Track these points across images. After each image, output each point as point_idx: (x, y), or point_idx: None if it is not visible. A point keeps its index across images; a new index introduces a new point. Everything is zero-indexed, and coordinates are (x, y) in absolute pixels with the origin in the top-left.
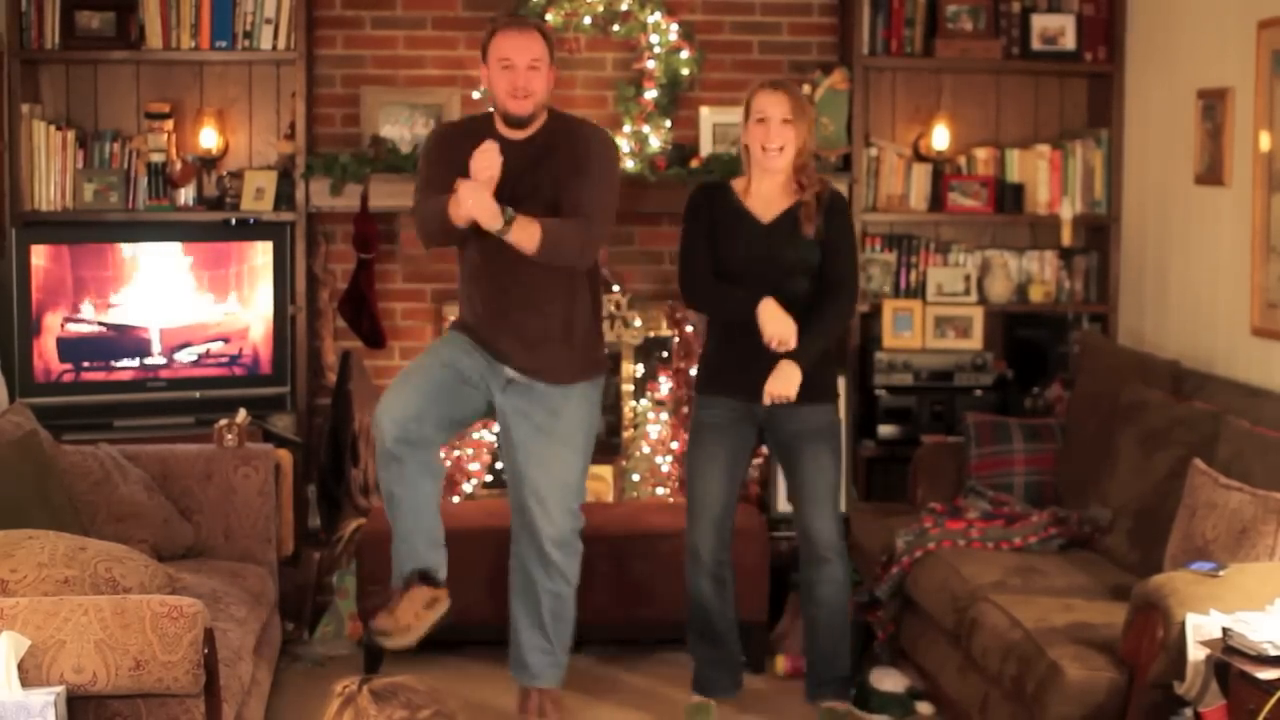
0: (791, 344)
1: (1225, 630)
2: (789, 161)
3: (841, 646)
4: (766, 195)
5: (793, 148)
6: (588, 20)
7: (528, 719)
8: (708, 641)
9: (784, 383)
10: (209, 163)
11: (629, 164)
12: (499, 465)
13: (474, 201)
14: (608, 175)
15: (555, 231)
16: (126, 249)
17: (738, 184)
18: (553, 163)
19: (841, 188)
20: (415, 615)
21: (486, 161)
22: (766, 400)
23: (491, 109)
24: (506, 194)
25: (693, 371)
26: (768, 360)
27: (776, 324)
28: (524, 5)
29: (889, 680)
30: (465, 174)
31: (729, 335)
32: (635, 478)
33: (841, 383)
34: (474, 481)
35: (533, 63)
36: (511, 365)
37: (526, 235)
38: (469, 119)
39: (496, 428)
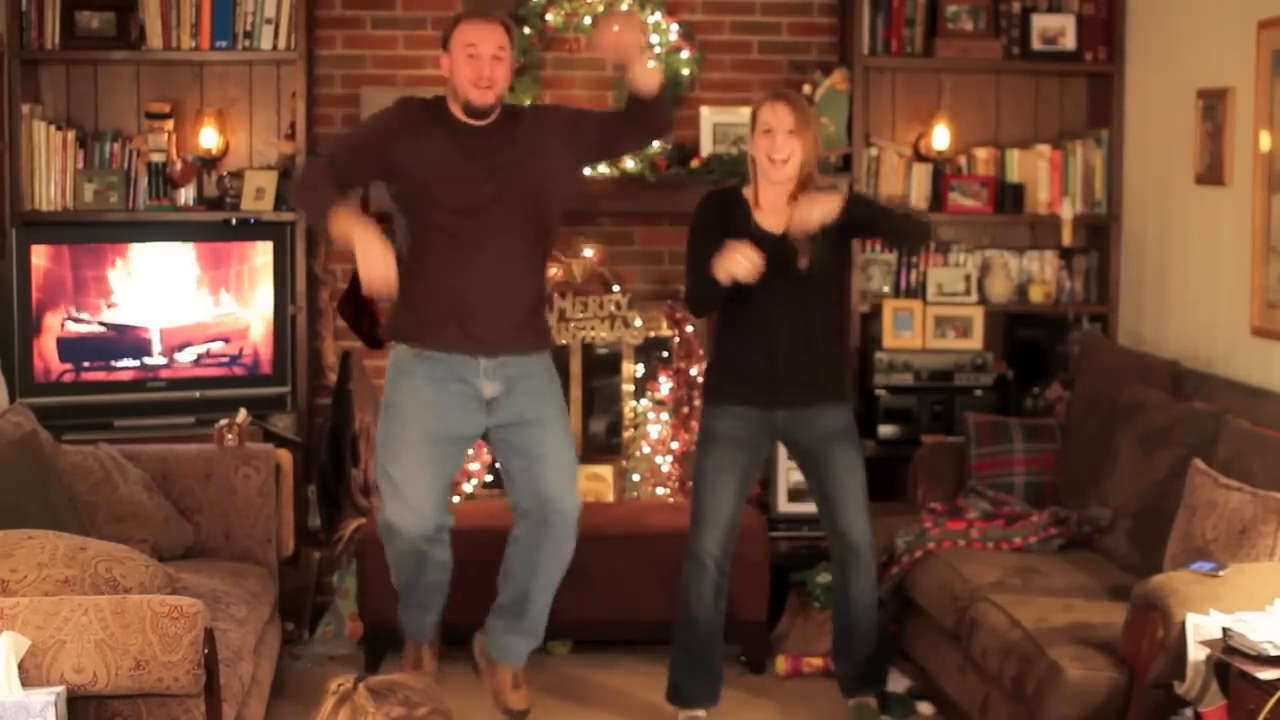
0: (834, 206)
1: (1225, 630)
2: (795, 171)
3: (877, 643)
4: (775, 206)
5: (798, 159)
6: (588, 20)
7: (508, 694)
8: (693, 651)
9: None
10: (209, 163)
11: (630, 163)
12: (498, 465)
13: (629, 39)
14: (580, 109)
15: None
16: (127, 249)
17: (746, 193)
18: (517, 147)
19: (841, 188)
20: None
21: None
22: (796, 229)
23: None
24: (486, 176)
25: (693, 371)
26: (784, 367)
27: (811, 209)
28: (524, 6)
29: (889, 680)
30: (421, 152)
31: (741, 342)
32: (635, 478)
33: (832, 212)
34: (474, 481)
35: (498, 51)
36: (486, 351)
37: (652, 74)
38: (434, 101)
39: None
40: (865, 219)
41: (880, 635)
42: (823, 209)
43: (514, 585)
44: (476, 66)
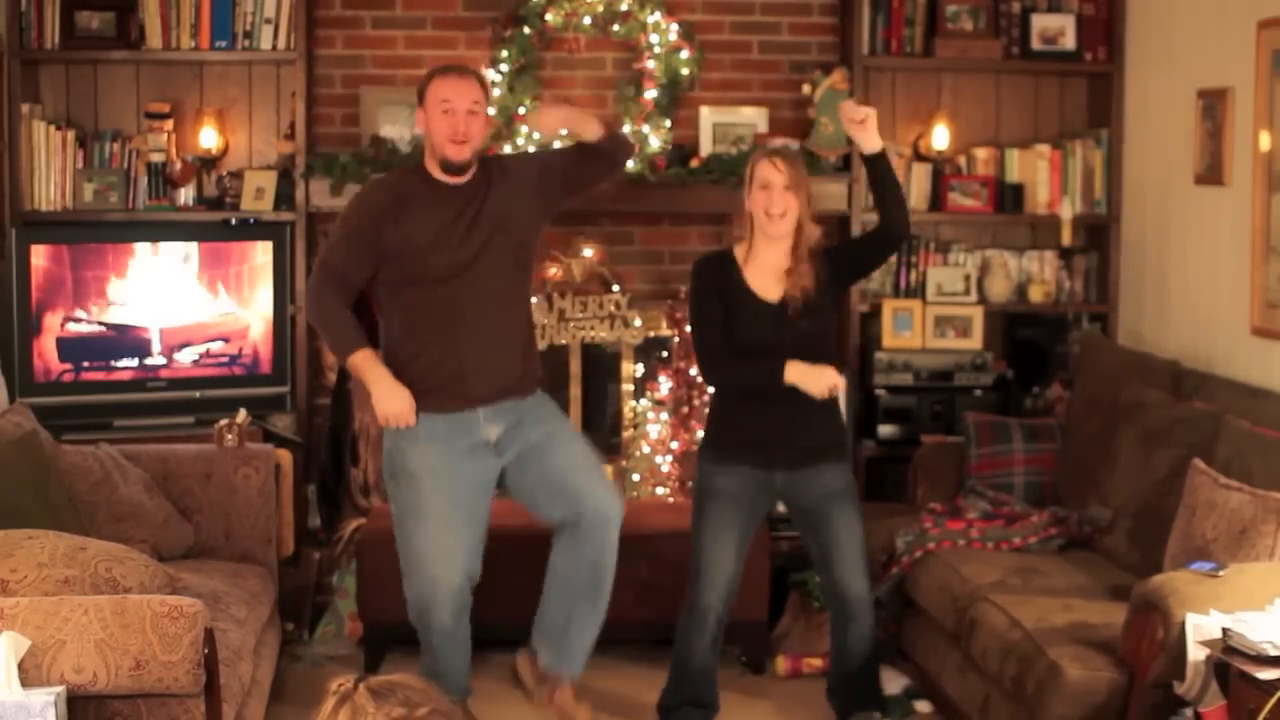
0: (841, 385)
1: (1225, 630)
2: (791, 227)
3: (873, 677)
4: (772, 268)
5: (794, 214)
6: (588, 20)
7: (573, 708)
8: (685, 691)
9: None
10: (209, 163)
11: (629, 164)
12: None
13: (562, 115)
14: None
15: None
16: (126, 249)
17: (739, 253)
18: (493, 201)
19: (841, 188)
20: None
21: None
22: (825, 393)
23: (424, 160)
24: (467, 232)
25: (693, 371)
26: (784, 427)
27: (818, 379)
28: (524, 6)
29: (889, 681)
30: (411, 226)
31: (743, 402)
32: (635, 477)
33: (842, 384)
34: None
35: (473, 106)
36: (483, 402)
37: (598, 125)
38: (399, 173)
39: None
40: (849, 259)
41: (877, 673)
42: (828, 384)
43: (556, 600)
44: (452, 123)
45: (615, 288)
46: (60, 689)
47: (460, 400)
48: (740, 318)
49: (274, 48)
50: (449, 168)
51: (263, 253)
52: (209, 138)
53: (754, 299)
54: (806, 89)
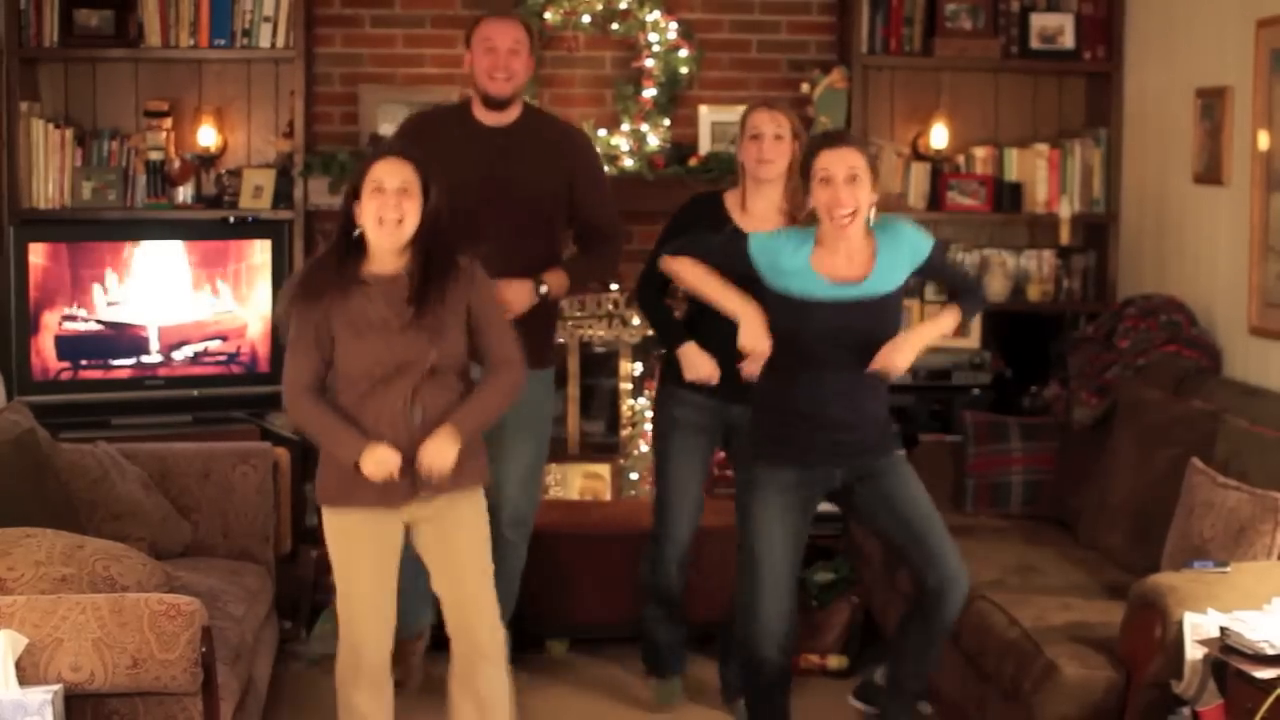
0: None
1: (1223, 629)
2: (781, 173)
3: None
4: (762, 213)
5: (784, 161)
6: (586, 18)
7: None
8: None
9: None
10: (207, 161)
11: (628, 162)
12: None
13: (516, 302)
14: (604, 179)
15: (584, 270)
16: (124, 247)
17: (731, 198)
18: (528, 158)
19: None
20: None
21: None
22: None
23: (470, 95)
24: (486, 181)
25: None
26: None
27: (701, 365)
28: (523, 4)
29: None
30: (446, 157)
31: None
32: (633, 476)
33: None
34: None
35: (514, 45)
36: None
37: (561, 290)
38: (446, 107)
39: None
40: (937, 278)
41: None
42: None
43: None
44: (493, 59)
45: (613, 286)
46: (57, 687)
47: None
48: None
49: (273, 46)
50: (489, 101)
51: (260, 251)
52: (207, 136)
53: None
54: (805, 88)
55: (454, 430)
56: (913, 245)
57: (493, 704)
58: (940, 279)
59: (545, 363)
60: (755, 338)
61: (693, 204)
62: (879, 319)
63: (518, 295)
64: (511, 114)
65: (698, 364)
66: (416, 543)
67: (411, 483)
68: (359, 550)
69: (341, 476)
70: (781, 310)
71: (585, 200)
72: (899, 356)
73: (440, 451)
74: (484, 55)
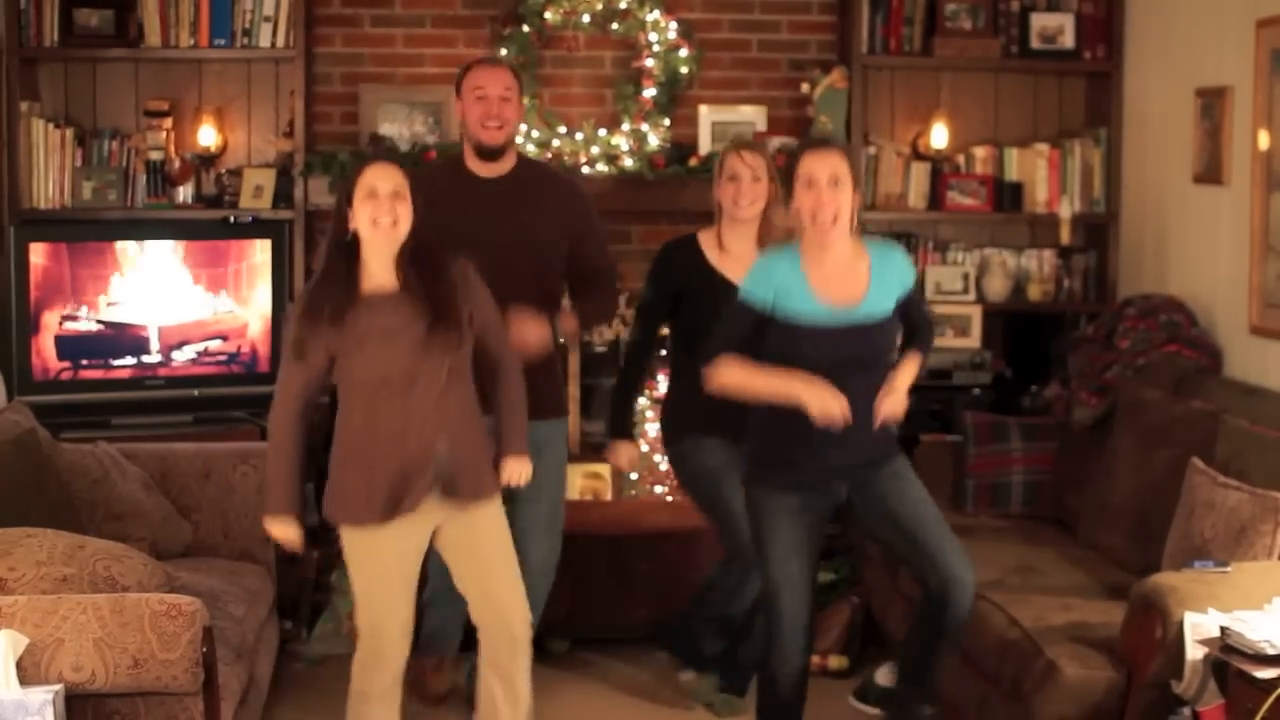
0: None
1: (1223, 629)
2: (757, 213)
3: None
4: (739, 252)
5: (761, 201)
6: (586, 18)
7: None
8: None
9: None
10: (207, 161)
11: (628, 162)
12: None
13: (536, 341)
14: (599, 223)
15: (593, 312)
16: (125, 247)
17: (706, 238)
18: (530, 209)
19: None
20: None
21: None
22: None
23: (462, 147)
24: (486, 235)
25: None
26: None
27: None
28: (523, 4)
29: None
30: (445, 212)
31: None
32: (634, 476)
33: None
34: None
35: (505, 91)
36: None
37: (574, 337)
38: (439, 162)
39: None
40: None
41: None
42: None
43: None
44: (485, 107)
45: None
46: (58, 687)
47: None
48: (703, 296)
49: (273, 46)
50: (483, 152)
51: (261, 251)
52: (208, 136)
53: (718, 278)
54: (805, 87)
55: (519, 448)
56: (901, 272)
57: (522, 690)
58: (908, 314)
59: (560, 411)
60: (824, 408)
61: (665, 252)
62: (878, 342)
63: (536, 334)
64: (506, 164)
65: (622, 459)
66: (440, 543)
67: (438, 488)
68: (382, 560)
69: (351, 496)
70: (783, 336)
71: (585, 250)
72: (899, 406)
73: (520, 470)
74: (475, 104)
